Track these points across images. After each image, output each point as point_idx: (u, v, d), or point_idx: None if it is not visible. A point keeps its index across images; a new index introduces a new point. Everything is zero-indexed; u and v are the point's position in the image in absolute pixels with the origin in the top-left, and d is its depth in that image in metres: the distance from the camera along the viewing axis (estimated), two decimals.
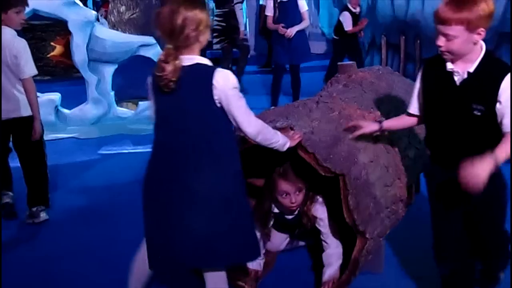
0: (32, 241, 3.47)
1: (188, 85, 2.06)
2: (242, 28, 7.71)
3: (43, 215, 3.70)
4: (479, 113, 2.08)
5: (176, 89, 2.06)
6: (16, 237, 3.52)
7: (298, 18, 6.28)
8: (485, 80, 2.08)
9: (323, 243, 2.78)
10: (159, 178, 2.22)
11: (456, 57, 2.10)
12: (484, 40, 2.09)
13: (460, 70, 2.12)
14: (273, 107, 5.75)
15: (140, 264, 2.35)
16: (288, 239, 3.09)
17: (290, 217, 2.87)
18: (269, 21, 6.35)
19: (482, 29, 2.04)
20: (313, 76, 9.14)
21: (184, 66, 2.05)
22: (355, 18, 7.68)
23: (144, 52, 6.21)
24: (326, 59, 9.62)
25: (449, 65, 2.13)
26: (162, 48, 6.58)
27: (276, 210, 2.88)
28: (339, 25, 7.76)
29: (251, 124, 2.13)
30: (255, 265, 2.92)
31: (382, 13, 8.49)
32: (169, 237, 2.15)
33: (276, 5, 6.19)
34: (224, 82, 2.06)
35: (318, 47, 12.17)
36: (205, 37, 2.12)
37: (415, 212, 3.54)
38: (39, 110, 3.62)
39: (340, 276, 2.60)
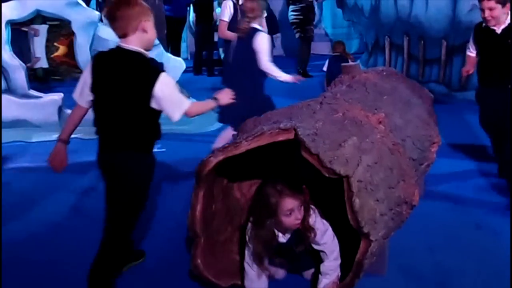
0: (34, 241, 3.46)
1: (249, 35, 4.24)
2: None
3: None
4: None
5: (244, 37, 4.28)
6: (18, 237, 3.51)
7: None
8: None
9: (322, 253, 2.72)
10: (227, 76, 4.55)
11: None
12: None
13: None
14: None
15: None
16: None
17: (284, 239, 2.73)
18: (223, 28, 5.29)
19: None
20: (315, 76, 9.14)
21: (251, 27, 4.28)
22: (493, 39, 4.08)
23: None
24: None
25: None
26: (165, 48, 6.57)
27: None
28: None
29: (266, 63, 4.23)
30: None
31: (385, 14, 8.46)
32: None
33: (237, 7, 5.23)
34: (260, 39, 4.19)
35: (321, 47, 12.18)
36: (263, 15, 4.42)
37: (419, 214, 3.54)
38: None
39: (344, 278, 2.59)
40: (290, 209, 2.57)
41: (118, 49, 2.64)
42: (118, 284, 2.94)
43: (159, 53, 6.25)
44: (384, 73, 3.80)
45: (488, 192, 4.03)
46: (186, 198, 2.74)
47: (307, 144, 2.40)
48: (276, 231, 2.68)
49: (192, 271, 2.75)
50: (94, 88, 2.66)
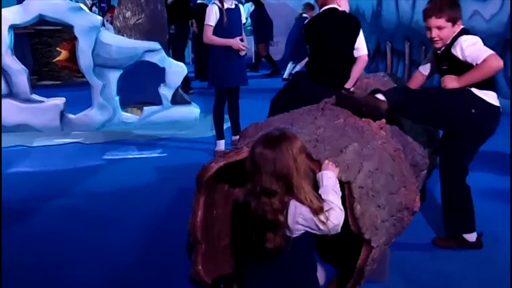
0: (35, 245, 3.46)
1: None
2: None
3: None
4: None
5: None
6: (18, 241, 3.51)
7: (242, 30, 5.27)
8: None
9: None
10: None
11: None
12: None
13: None
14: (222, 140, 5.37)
15: None
16: None
17: None
18: (210, 33, 5.04)
19: None
20: None
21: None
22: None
23: (149, 58, 6.23)
24: None
25: None
26: (166, 53, 6.53)
27: None
28: None
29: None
30: None
31: (387, 19, 8.49)
32: None
33: (223, 12, 5.02)
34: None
35: None
36: None
37: (421, 219, 3.53)
38: None
39: (345, 285, 2.58)
40: None
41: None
42: (121, 284, 2.95)
43: (161, 58, 6.26)
44: (386, 79, 3.81)
45: (489, 198, 4.02)
46: (187, 204, 2.74)
47: (308, 150, 2.40)
48: None
49: (193, 277, 2.75)
50: None
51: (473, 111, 3.04)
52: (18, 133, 6.00)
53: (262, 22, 10.84)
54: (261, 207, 2.08)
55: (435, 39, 3.17)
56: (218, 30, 5.05)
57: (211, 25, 5.03)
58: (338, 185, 2.27)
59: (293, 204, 2.11)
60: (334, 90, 3.47)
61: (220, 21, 5.02)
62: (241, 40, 5.14)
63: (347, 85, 3.74)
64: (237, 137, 3.68)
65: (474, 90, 3.06)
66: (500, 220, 3.64)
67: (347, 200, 2.39)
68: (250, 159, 2.15)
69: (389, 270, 2.93)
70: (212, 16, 5.03)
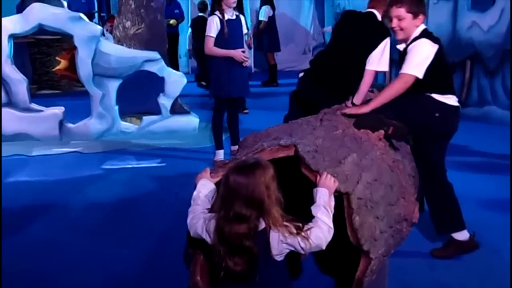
0: (34, 254, 3.45)
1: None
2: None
3: None
4: None
5: None
6: (17, 250, 3.50)
7: (243, 41, 5.36)
8: None
9: None
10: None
11: None
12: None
13: None
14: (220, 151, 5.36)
15: None
16: None
17: None
18: (211, 44, 5.05)
19: None
20: None
21: None
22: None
23: (149, 67, 6.25)
24: None
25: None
26: (166, 63, 6.55)
27: None
28: None
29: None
30: None
31: None
32: None
33: (224, 23, 5.04)
34: None
35: None
36: None
37: (420, 230, 3.53)
38: None
39: None
40: None
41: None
42: None
43: (160, 68, 6.28)
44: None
45: (488, 209, 4.02)
46: (186, 214, 2.73)
47: (307, 161, 2.40)
48: None
49: None
50: None
51: (437, 115, 3.20)
52: (17, 142, 5.99)
53: (273, 29, 10.67)
54: (233, 232, 2.07)
55: (395, 28, 3.33)
56: (219, 41, 5.06)
57: (212, 36, 5.05)
58: (332, 202, 2.27)
59: (271, 231, 2.10)
60: (331, 93, 3.55)
61: (221, 32, 5.04)
62: (243, 51, 5.16)
63: (355, 101, 3.62)
64: (236, 147, 3.69)
65: (435, 95, 3.21)
66: (499, 230, 3.63)
67: (346, 211, 2.38)
68: (224, 185, 2.14)
69: (388, 281, 2.92)
70: (213, 27, 5.05)
